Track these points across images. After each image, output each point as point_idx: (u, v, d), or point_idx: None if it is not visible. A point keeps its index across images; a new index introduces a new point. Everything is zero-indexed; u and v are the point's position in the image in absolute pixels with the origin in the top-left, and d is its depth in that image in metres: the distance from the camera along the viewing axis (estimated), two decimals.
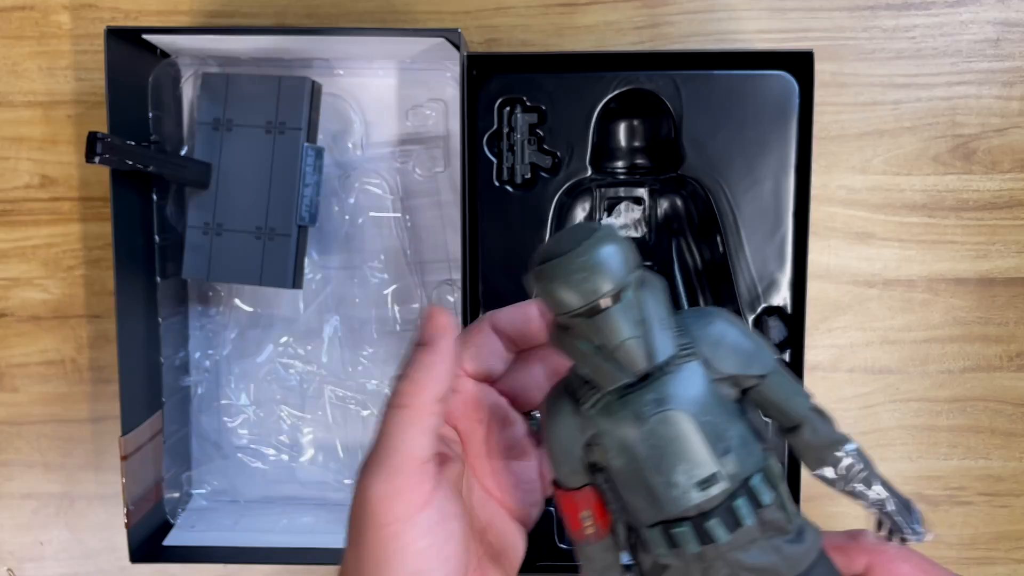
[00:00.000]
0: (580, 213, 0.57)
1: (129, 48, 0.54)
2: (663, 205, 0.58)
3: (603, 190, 0.57)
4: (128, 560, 0.55)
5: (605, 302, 0.28)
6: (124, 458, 0.54)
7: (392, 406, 0.31)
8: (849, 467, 0.31)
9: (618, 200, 0.58)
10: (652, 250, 0.58)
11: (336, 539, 0.56)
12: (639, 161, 0.56)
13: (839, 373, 0.61)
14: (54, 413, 0.63)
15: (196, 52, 0.58)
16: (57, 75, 0.61)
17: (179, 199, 0.59)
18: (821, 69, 0.57)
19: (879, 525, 0.32)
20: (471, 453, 0.35)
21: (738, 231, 0.53)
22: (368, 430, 0.62)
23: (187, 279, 0.60)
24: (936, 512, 0.62)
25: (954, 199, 0.60)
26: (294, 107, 0.56)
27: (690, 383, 0.29)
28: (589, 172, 0.53)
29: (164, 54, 0.58)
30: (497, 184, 0.53)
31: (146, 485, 0.57)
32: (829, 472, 0.32)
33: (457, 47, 0.51)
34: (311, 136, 0.57)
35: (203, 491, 0.62)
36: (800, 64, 0.52)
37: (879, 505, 0.32)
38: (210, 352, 0.62)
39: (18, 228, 0.62)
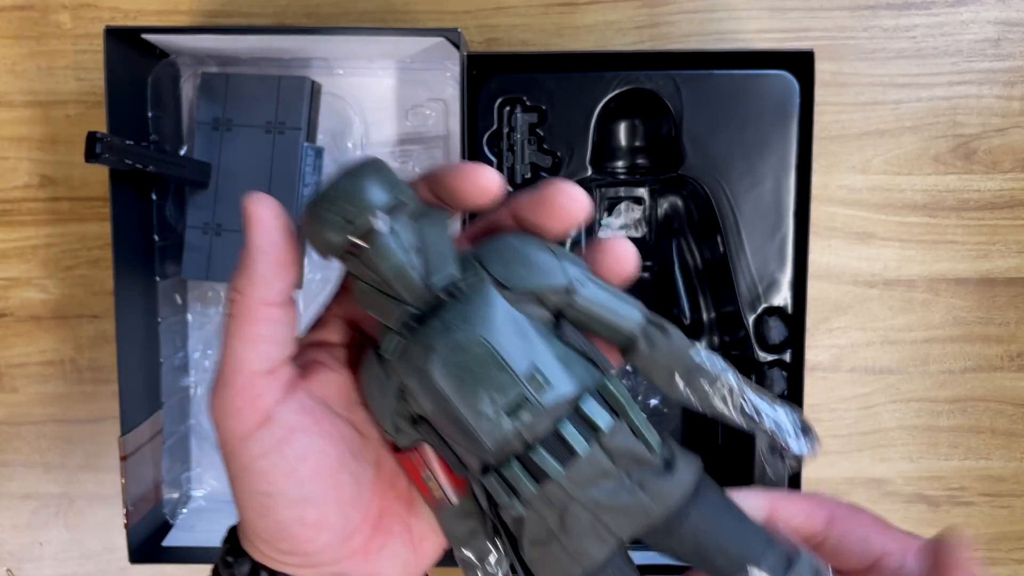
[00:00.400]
0: None
1: (128, 48, 0.54)
2: (663, 205, 0.58)
3: (603, 190, 0.57)
4: (127, 560, 0.55)
5: (371, 232, 0.27)
6: (124, 458, 0.53)
7: (225, 317, 0.28)
8: (703, 377, 0.28)
9: (618, 200, 0.58)
10: (652, 250, 0.58)
11: None
12: (639, 161, 0.56)
13: (839, 373, 0.61)
14: (53, 413, 0.63)
15: (195, 52, 0.58)
16: (57, 75, 0.60)
17: (178, 199, 0.59)
18: (821, 69, 0.57)
19: (770, 449, 0.29)
20: None
21: (738, 231, 0.53)
22: None
23: (187, 279, 0.60)
24: (937, 512, 0.62)
25: (955, 199, 0.60)
26: (294, 107, 0.55)
27: (481, 305, 0.27)
28: (589, 172, 0.53)
29: (163, 54, 0.57)
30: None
31: (145, 485, 0.57)
32: (682, 387, 0.29)
33: (457, 47, 0.51)
34: (311, 136, 0.57)
35: (203, 492, 0.62)
36: (800, 64, 0.52)
37: (751, 421, 0.29)
38: (210, 352, 0.62)
39: (18, 228, 0.62)
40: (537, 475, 0.27)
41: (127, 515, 0.54)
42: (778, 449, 0.29)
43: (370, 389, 0.29)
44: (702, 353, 0.29)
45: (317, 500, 0.29)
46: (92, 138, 0.47)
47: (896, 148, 0.59)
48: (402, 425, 0.29)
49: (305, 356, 0.31)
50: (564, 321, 0.28)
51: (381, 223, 0.27)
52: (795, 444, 0.28)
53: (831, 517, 0.32)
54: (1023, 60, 0.59)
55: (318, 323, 0.33)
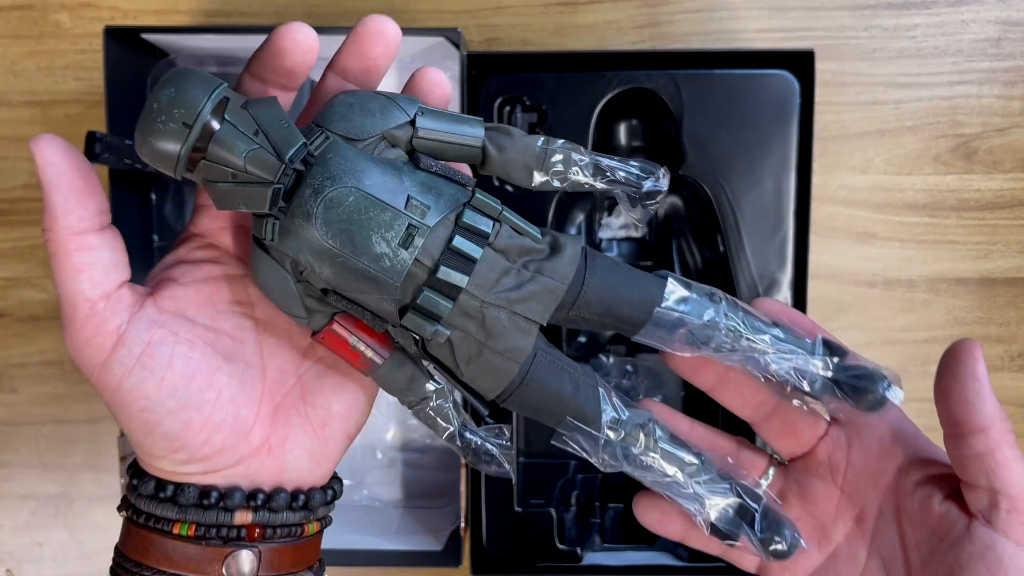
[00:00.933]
0: (580, 213, 0.56)
1: (128, 47, 0.54)
2: (663, 205, 0.57)
3: None
4: None
5: (209, 130, 0.28)
6: (123, 459, 0.53)
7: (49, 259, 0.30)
8: (555, 157, 0.31)
9: None
10: (652, 250, 0.58)
11: (335, 539, 0.56)
12: None
13: None
14: (53, 414, 0.63)
15: (195, 51, 0.57)
16: (56, 75, 0.60)
17: (178, 199, 0.59)
18: (822, 68, 0.57)
19: (629, 200, 0.32)
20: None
21: (739, 231, 0.53)
22: (367, 430, 0.62)
23: None
24: None
25: (955, 199, 0.60)
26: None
27: (340, 160, 0.28)
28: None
29: (163, 53, 0.57)
30: (497, 184, 0.53)
31: None
32: (539, 178, 0.31)
33: (457, 46, 0.51)
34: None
35: None
36: (801, 63, 0.52)
37: (609, 181, 0.31)
38: None
39: (17, 228, 0.62)
40: (448, 293, 0.29)
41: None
42: (635, 197, 0.31)
43: (267, 282, 0.30)
44: (552, 140, 0.31)
45: (196, 402, 0.30)
46: (92, 138, 0.47)
47: (896, 148, 0.59)
48: (311, 304, 0.30)
49: (157, 277, 0.32)
50: (417, 154, 0.30)
51: (214, 120, 0.28)
52: (647, 184, 0.31)
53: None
54: (1023, 60, 0.59)
55: (176, 245, 0.34)
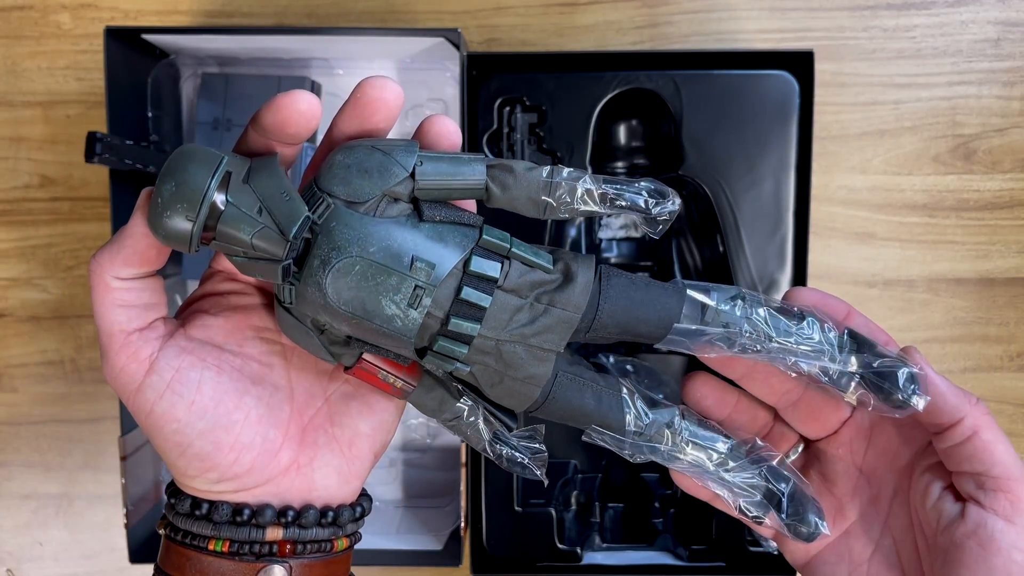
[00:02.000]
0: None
1: (128, 48, 0.54)
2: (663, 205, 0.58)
3: None
4: (128, 560, 0.55)
5: (214, 214, 0.28)
6: (123, 458, 0.54)
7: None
8: (561, 190, 0.31)
9: None
10: (652, 250, 0.58)
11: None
12: (639, 161, 0.56)
13: None
14: (53, 413, 0.63)
15: (195, 52, 0.58)
16: (56, 75, 0.60)
17: None
18: (821, 69, 0.57)
19: (645, 221, 0.32)
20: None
21: (738, 231, 0.53)
22: None
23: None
24: None
25: (954, 199, 0.60)
26: None
27: (341, 229, 0.29)
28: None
29: (163, 54, 0.57)
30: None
31: (145, 485, 0.57)
32: (545, 210, 0.31)
33: (457, 47, 0.51)
34: (311, 137, 0.57)
35: None
36: (800, 64, 0.52)
37: (617, 207, 0.32)
38: None
39: (18, 228, 0.62)
40: (462, 339, 0.30)
41: (127, 515, 0.54)
42: (648, 218, 0.32)
43: (294, 336, 0.32)
44: (558, 170, 0.31)
45: (225, 424, 0.32)
46: (92, 138, 0.47)
47: (896, 148, 0.60)
48: (337, 350, 0.32)
49: (188, 310, 0.34)
50: (421, 204, 0.30)
51: (218, 200, 0.28)
52: (656, 209, 0.32)
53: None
54: (1023, 60, 0.59)
55: (202, 280, 0.35)
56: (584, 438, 0.34)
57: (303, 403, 0.34)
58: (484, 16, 0.59)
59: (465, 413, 0.33)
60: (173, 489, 0.34)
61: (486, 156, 0.32)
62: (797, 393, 0.36)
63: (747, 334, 0.32)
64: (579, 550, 0.54)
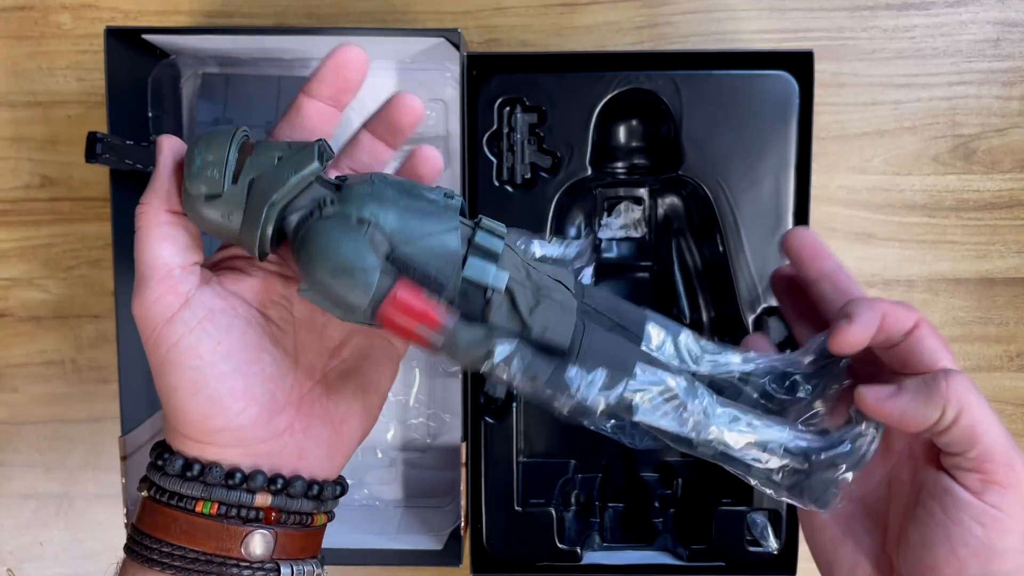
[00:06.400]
0: (580, 213, 0.57)
1: (129, 48, 0.54)
2: (663, 205, 0.58)
3: (603, 190, 0.57)
4: None
5: (241, 150, 0.32)
6: (124, 458, 0.54)
7: (136, 231, 0.33)
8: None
9: (618, 200, 0.58)
10: (652, 250, 0.58)
11: (335, 539, 0.56)
12: (639, 161, 0.56)
13: None
14: (54, 413, 0.63)
15: (196, 52, 0.58)
16: (57, 75, 0.61)
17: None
18: (821, 69, 0.57)
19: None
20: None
21: (738, 231, 0.53)
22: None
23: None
24: None
25: (954, 199, 0.60)
26: None
27: (383, 187, 0.33)
28: (589, 172, 0.53)
29: (164, 54, 0.58)
30: (497, 184, 0.53)
31: None
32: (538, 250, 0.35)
33: (457, 47, 0.51)
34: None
35: None
36: (800, 64, 0.52)
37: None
38: None
39: (18, 228, 0.62)
40: (495, 234, 0.33)
41: (127, 515, 0.54)
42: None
43: (336, 243, 0.31)
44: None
45: (244, 372, 0.33)
46: (92, 138, 0.47)
47: (895, 148, 0.60)
48: (386, 269, 0.31)
49: (221, 262, 0.35)
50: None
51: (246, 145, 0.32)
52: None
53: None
54: (1022, 60, 0.59)
55: (223, 245, 0.37)
56: (625, 394, 0.33)
57: (304, 375, 0.35)
58: (484, 16, 0.59)
59: (506, 347, 0.32)
60: (161, 449, 0.34)
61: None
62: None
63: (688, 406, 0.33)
64: (579, 550, 0.54)
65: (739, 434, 0.33)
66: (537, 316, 0.32)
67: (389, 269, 0.31)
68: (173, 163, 0.33)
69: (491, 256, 0.32)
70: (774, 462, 0.34)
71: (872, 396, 0.34)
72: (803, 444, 0.34)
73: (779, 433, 0.34)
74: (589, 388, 0.32)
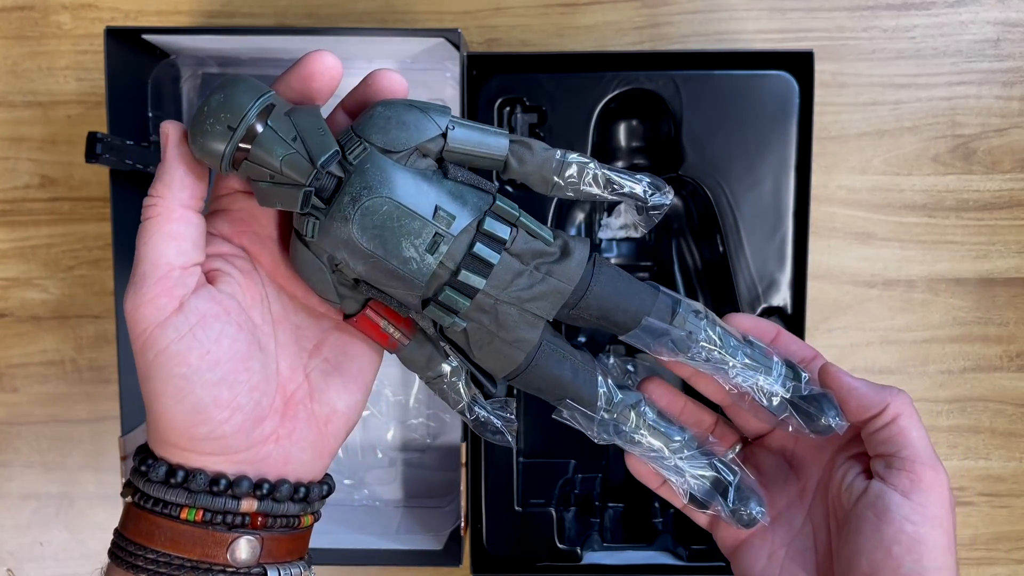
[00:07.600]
0: (580, 213, 0.57)
1: (129, 48, 0.54)
2: None
3: None
4: None
5: (252, 133, 0.31)
6: (124, 458, 0.54)
7: (140, 221, 0.32)
8: (570, 169, 0.34)
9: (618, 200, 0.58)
10: (652, 250, 0.58)
11: (335, 539, 0.56)
12: (639, 161, 0.56)
13: None
14: (54, 413, 0.63)
15: (196, 52, 0.58)
16: (57, 75, 0.61)
17: None
18: (821, 69, 0.57)
19: (637, 210, 0.36)
20: (267, 266, 0.35)
21: (738, 231, 0.53)
22: (368, 430, 0.62)
23: None
24: None
25: (954, 199, 0.60)
26: None
27: (376, 172, 0.31)
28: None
29: (164, 54, 0.58)
30: (497, 184, 0.53)
31: None
32: (554, 186, 0.35)
33: (457, 47, 0.51)
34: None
35: None
36: (800, 64, 0.52)
37: (616, 192, 0.35)
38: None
39: (18, 228, 0.62)
40: (467, 292, 0.33)
41: None
42: (642, 208, 0.35)
43: (306, 272, 0.34)
44: (568, 154, 0.35)
45: (231, 381, 0.32)
46: (92, 138, 0.47)
47: (896, 148, 0.60)
48: (344, 292, 0.34)
49: (206, 266, 0.34)
50: (446, 163, 0.33)
51: (258, 124, 0.31)
52: (652, 199, 0.35)
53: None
54: (1022, 60, 0.59)
55: (217, 196, 0.36)
56: (555, 416, 0.36)
57: (287, 377, 0.35)
58: (484, 16, 0.59)
59: (449, 372, 0.36)
60: (144, 455, 0.34)
61: (508, 132, 0.35)
62: (736, 395, 0.39)
63: (703, 342, 0.36)
64: (579, 550, 0.54)
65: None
66: (483, 352, 0.34)
67: (355, 295, 0.34)
68: (181, 151, 0.32)
69: (496, 241, 0.33)
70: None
71: (835, 369, 0.38)
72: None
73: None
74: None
